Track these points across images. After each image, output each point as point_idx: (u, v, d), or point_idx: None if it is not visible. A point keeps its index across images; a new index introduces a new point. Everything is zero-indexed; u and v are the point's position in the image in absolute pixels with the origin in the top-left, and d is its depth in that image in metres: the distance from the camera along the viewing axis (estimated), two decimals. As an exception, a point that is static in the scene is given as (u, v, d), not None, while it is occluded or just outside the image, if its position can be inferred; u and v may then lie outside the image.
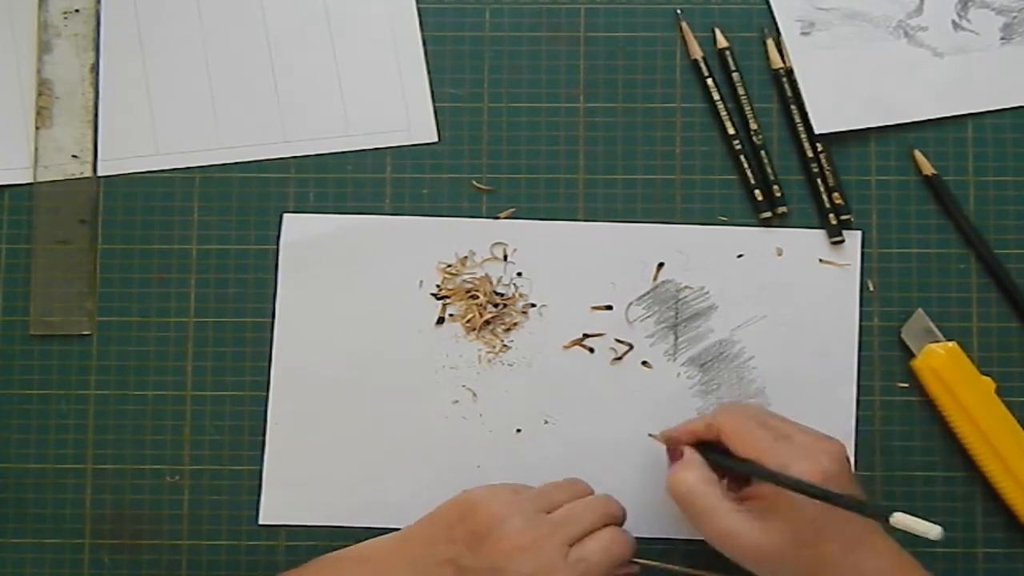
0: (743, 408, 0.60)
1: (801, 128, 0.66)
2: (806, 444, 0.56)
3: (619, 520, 0.60)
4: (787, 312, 0.66)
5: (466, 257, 0.66)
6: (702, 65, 0.67)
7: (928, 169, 0.66)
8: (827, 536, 0.54)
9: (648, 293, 0.66)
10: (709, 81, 0.67)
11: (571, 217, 0.67)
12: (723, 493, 0.57)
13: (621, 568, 0.59)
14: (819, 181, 0.66)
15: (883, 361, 0.66)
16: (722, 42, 0.67)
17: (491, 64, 0.68)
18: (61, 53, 0.67)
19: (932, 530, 0.48)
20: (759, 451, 0.56)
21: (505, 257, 0.66)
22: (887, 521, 0.49)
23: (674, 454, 0.60)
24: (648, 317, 0.66)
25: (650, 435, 0.64)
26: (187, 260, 0.67)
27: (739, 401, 0.64)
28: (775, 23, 0.67)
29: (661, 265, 0.66)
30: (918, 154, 0.66)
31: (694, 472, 0.58)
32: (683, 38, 0.68)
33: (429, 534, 0.59)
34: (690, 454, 0.59)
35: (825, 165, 0.66)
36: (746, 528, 0.55)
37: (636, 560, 0.61)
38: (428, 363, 0.66)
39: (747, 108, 0.67)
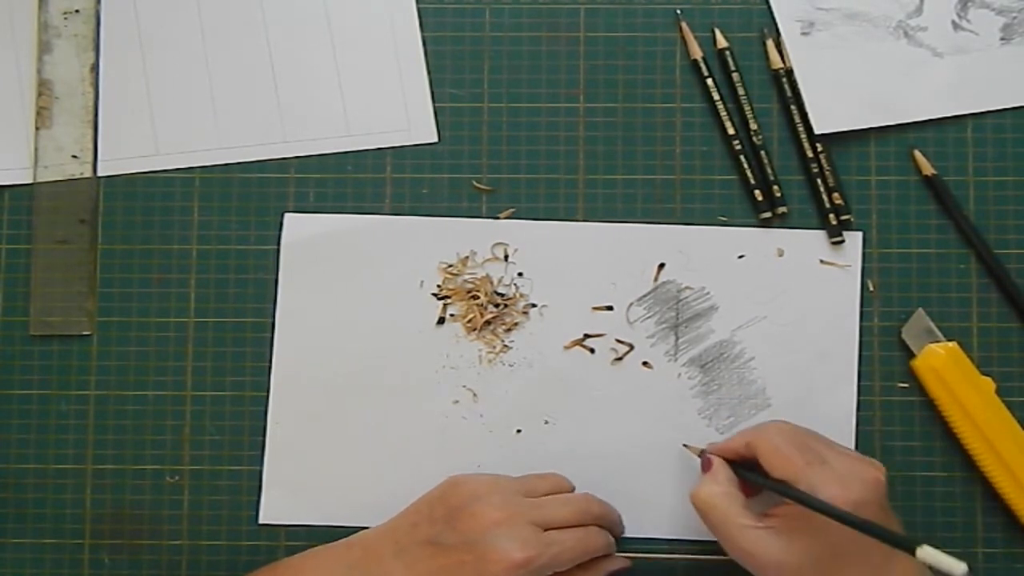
0: (780, 428, 0.59)
1: (801, 128, 0.66)
2: (841, 470, 0.56)
3: (598, 518, 0.61)
4: (788, 313, 0.66)
5: (467, 257, 0.66)
6: (702, 65, 0.67)
7: (928, 169, 0.66)
8: (850, 560, 0.55)
9: (649, 293, 0.66)
10: (709, 81, 0.67)
11: (571, 217, 0.67)
12: (744, 510, 0.57)
13: (611, 563, 0.61)
14: (819, 181, 0.66)
15: (883, 361, 0.66)
16: (722, 42, 0.67)
17: (491, 64, 0.68)
18: (61, 53, 0.67)
19: (958, 567, 0.48)
20: (791, 473, 0.56)
21: (506, 257, 0.66)
22: (913, 554, 0.49)
23: (707, 466, 0.60)
24: (649, 317, 0.66)
25: (684, 446, 0.64)
26: (187, 260, 0.67)
27: (777, 421, 0.61)
28: (775, 23, 0.67)
29: (662, 266, 0.66)
30: (918, 154, 0.66)
31: (717, 487, 0.58)
32: (683, 38, 0.67)
33: (413, 518, 0.60)
34: (718, 467, 0.59)
35: (825, 165, 0.66)
36: (765, 545, 0.55)
37: (625, 555, 0.62)
38: (428, 363, 0.66)
39: (747, 108, 0.67)
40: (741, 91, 0.67)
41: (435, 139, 0.67)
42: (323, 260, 0.66)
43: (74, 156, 0.67)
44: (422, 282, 0.66)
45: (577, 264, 0.66)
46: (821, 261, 0.66)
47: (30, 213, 0.67)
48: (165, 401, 0.66)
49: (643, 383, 0.65)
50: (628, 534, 0.64)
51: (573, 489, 0.63)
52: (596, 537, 0.60)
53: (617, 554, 0.62)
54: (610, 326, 0.66)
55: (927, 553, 0.49)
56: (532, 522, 0.57)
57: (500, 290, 0.66)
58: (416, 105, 0.67)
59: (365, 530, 0.62)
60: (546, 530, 0.58)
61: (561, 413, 0.65)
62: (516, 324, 0.66)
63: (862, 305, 0.66)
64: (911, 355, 0.65)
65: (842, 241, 0.66)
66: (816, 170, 0.66)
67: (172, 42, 0.68)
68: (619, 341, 0.66)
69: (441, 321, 0.66)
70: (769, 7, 0.67)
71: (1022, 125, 0.67)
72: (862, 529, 0.52)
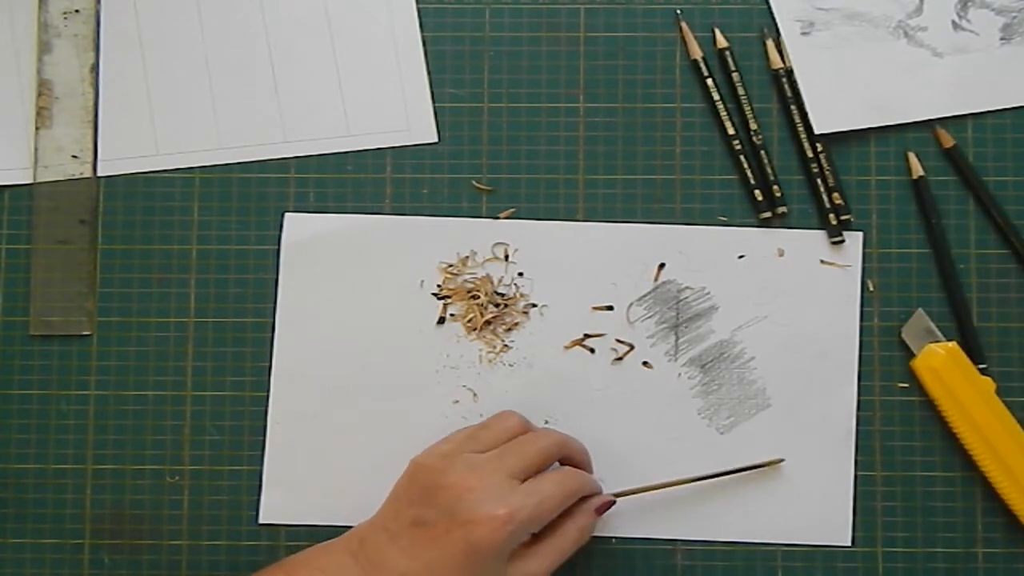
0: None
1: (801, 128, 0.66)
2: None
3: (566, 445, 0.61)
4: (788, 313, 0.66)
5: (467, 257, 0.66)
6: (702, 65, 0.67)
7: (919, 171, 0.66)
8: None
9: (649, 293, 0.66)
10: (709, 81, 0.67)
11: (571, 217, 0.67)
12: None
13: (598, 500, 0.61)
14: (819, 181, 0.66)
15: (883, 361, 0.66)
16: (722, 42, 0.67)
17: (491, 64, 0.68)
18: (61, 53, 0.67)
19: None
20: None
21: (506, 257, 0.66)
22: None
23: None
24: (649, 317, 0.66)
25: None
26: (187, 260, 0.67)
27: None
28: (775, 23, 0.67)
29: (662, 266, 0.66)
30: (912, 156, 0.66)
31: None
32: (683, 38, 0.68)
33: (394, 506, 0.60)
34: None
35: (825, 165, 0.66)
36: None
37: (610, 494, 0.62)
38: (428, 363, 0.66)
39: (747, 108, 0.67)
40: (741, 91, 0.67)
41: (435, 139, 0.67)
42: (323, 260, 0.66)
43: (74, 156, 0.67)
44: (422, 282, 0.66)
45: (577, 264, 0.66)
46: (821, 261, 0.66)
47: (30, 213, 0.67)
48: (165, 401, 0.66)
49: (643, 383, 0.65)
50: (628, 533, 0.64)
51: (521, 420, 0.61)
52: (574, 478, 0.60)
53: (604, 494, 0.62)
54: (610, 326, 0.66)
55: None
56: (505, 476, 0.58)
57: (500, 290, 0.66)
58: (416, 105, 0.67)
59: (357, 525, 0.62)
60: (524, 481, 0.58)
61: (561, 413, 0.65)
62: (516, 324, 0.66)
63: (862, 305, 0.66)
64: (911, 355, 0.65)
65: (842, 241, 0.66)
66: (816, 170, 0.66)
67: (172, 42, 0.68)
68: (619, 341, 0.66)
69: (441, 321, 0.66)
70: (769, 7, 0.67)
71: (1022, 125, 0.67)
72: None
